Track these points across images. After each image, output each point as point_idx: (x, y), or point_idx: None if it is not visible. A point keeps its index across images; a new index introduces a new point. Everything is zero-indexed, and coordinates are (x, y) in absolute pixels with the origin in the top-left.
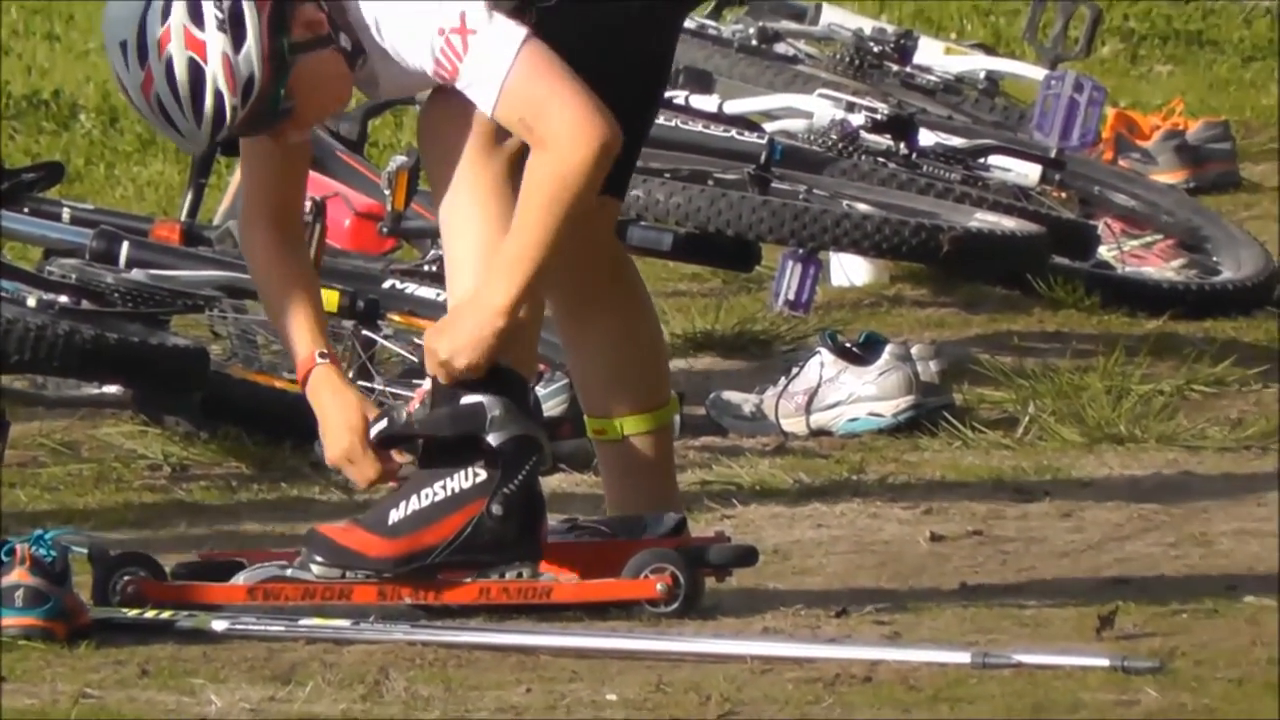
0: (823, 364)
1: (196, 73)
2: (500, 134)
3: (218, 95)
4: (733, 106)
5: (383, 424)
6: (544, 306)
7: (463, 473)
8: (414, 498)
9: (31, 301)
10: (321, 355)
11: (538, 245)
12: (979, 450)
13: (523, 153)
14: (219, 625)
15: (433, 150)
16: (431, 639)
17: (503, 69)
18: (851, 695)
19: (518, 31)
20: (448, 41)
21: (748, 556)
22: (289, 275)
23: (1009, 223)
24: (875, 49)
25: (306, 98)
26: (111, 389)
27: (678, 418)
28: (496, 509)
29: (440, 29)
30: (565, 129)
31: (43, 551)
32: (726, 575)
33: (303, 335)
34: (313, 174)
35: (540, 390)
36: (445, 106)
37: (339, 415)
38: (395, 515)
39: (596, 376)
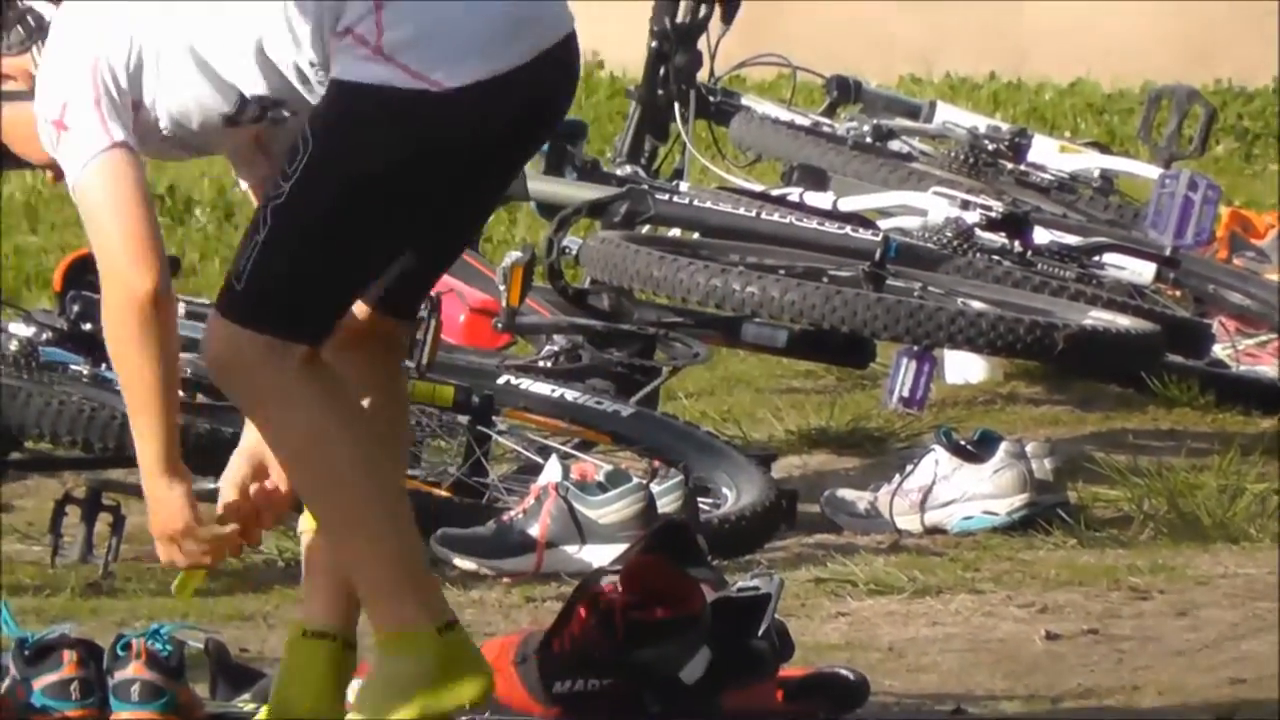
0: (937, 461)
1: None
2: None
3: None
4: (847, 204)
5: None
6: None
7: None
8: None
9: None
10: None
11: (128, 379)
12: (1094, 549)
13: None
14: None
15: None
16: None
17: (75, 172)
18: None
19: (99, 140)
20: (49, 130)
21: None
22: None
23: (1124, 321)
24: (990, 147)
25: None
26: None
27: None
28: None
29: (45, 116)
30: (107, 267)
31: (158, 646)
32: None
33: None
34: None
35: (655, 488)
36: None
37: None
38: (559, 687)
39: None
